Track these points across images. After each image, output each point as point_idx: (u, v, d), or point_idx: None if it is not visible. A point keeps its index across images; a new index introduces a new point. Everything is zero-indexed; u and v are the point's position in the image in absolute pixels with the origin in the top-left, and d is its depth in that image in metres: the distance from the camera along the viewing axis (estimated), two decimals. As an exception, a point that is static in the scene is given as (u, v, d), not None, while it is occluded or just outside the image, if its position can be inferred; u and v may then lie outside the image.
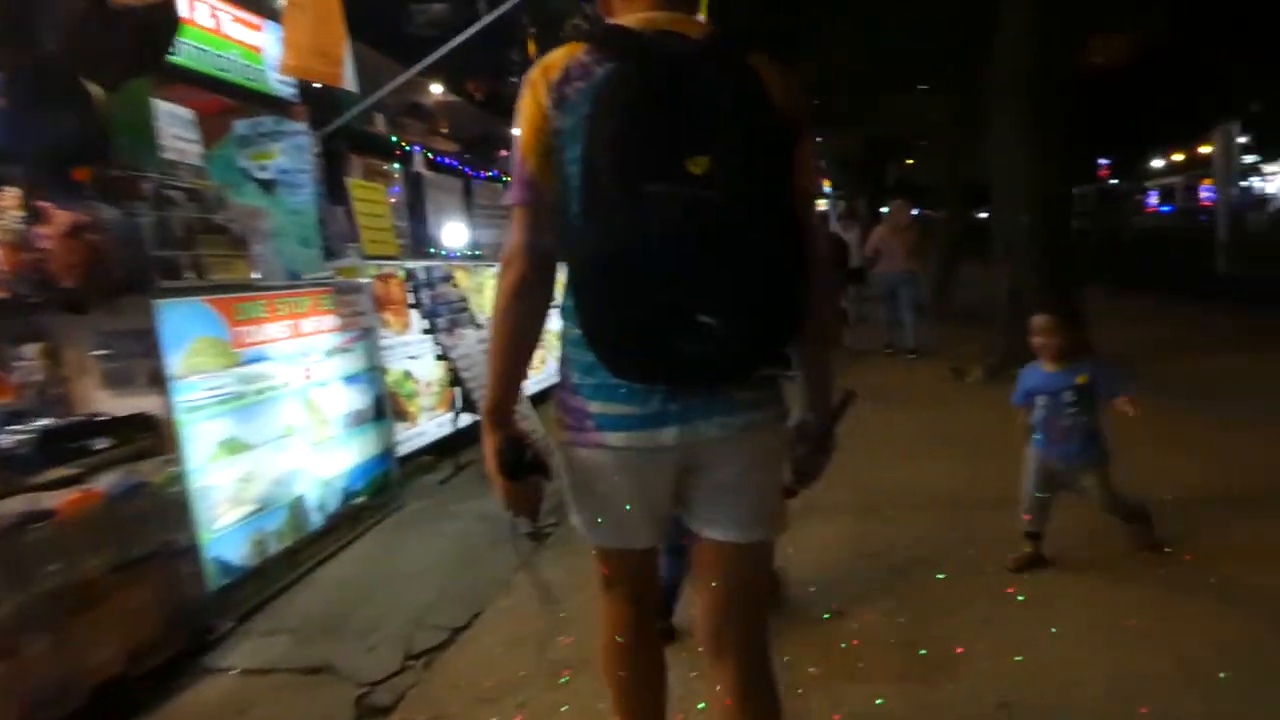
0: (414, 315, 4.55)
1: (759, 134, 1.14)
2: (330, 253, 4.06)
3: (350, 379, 3.69)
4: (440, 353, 4.41)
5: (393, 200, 5.33)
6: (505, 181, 7.55)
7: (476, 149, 8.62)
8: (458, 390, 4.47)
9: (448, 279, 4.83)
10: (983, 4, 7.47)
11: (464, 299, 4.88)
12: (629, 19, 1.26)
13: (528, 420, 3.92)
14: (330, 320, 3.55)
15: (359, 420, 3.73)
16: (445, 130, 8.74)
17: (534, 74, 1.23)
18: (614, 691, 1.52)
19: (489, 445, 1.29)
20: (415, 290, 4.42)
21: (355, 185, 4.27)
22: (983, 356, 6.35)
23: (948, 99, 13.33)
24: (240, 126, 3.87)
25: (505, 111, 8.62)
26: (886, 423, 4.98)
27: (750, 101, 1.15)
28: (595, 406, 1.26)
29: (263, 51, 3.72)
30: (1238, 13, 13.07)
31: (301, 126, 3.89)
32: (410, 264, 4.67)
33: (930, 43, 11.58)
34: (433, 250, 5.36)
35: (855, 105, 14.20)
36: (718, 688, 1.37)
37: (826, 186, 28.19)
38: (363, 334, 3.80)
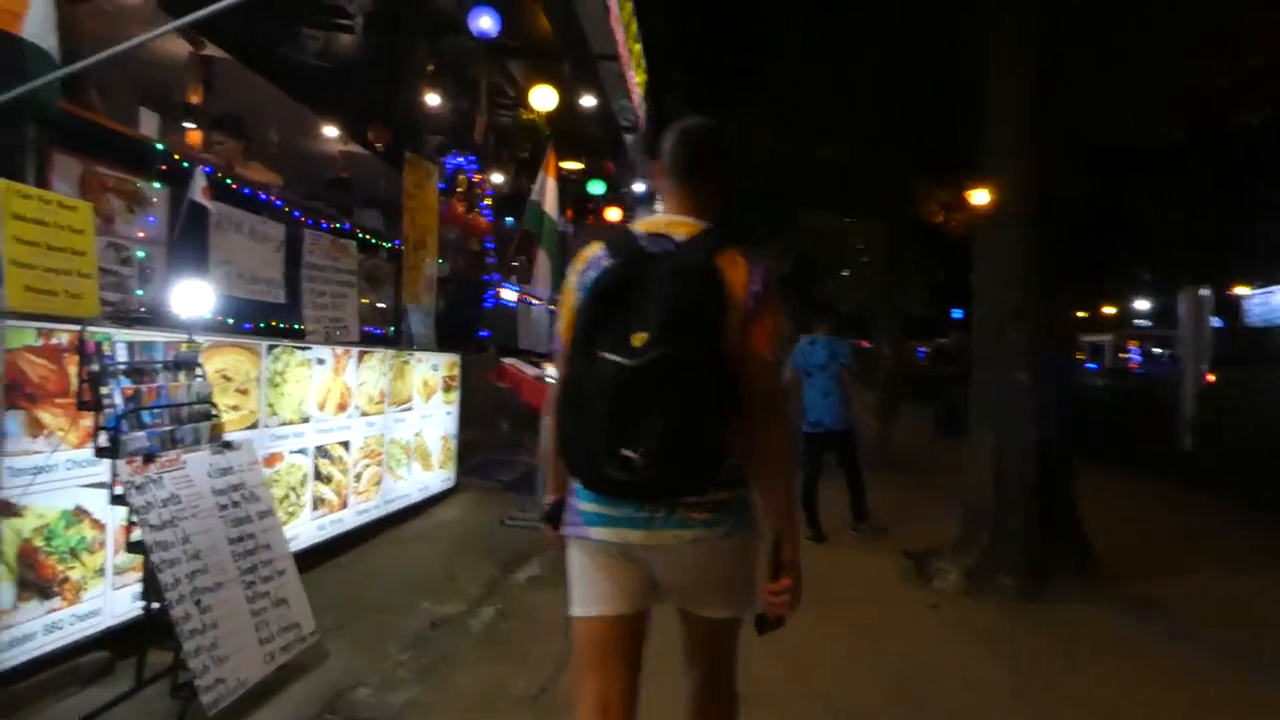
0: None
1: (691, 317, 1.54)
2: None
3: None
4: (119, 492, 2.58)
5: (139, 235, 3.55)
6: (366, 239, 5.92)
7: (335, 192, 6.98)
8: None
9: (187, 367, 3.03)
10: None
11: (207, 403, 3.07)
12: (646, 221, 1.80)
13: None
14: None
15: None
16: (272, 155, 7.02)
17: (574, 263, 1.80)
18: None
19: (545, 503, 1.91)
20: (96, 378, 2.61)
21: (8, 192, 2.51)
22: (954, 549, 4.83)
23: (876, 224, 12.55)
24: None
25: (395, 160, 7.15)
26: (818, 659, 3.35)
27: (692, 290, 1.57)
28: (585, 505, 1.70)
29: None
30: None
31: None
32: (111, 332, 2.88)
33: (858, 155, 10.82)
34: (192, 318, 3.57)
35: (776, 216, 13.33)
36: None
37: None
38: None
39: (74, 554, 2.84)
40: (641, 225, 1.77)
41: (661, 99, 11.23)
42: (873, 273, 12.98)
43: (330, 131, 8.44)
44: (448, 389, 6.47)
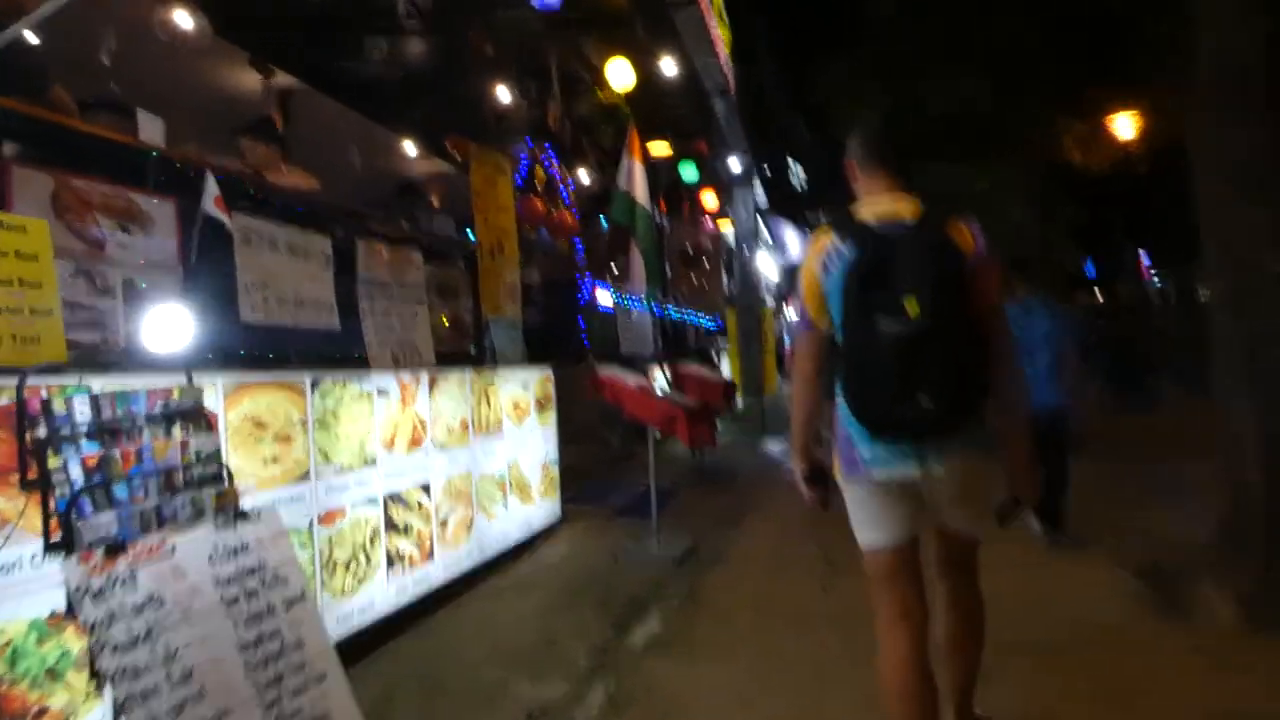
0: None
1: (948, 280, 1.94)
2: None
3: None
4: (68, 604, 1.89)
5: (139, 260, 2.92)
6: (435, 247, 5.24)
7: (406, 199, 6.37)
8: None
9: (185, 419, 2.34)
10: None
11: (213, 463, 2.37)
12: (865, 210, 2.16)
13: None
14: None
15: None
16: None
17: (809, 253, 2.18)
18: (887, 670, 2.14)
19: (798, 468, 2.32)
20: (43, 445, 1.94)
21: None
22: (1214, 566, 3.58)
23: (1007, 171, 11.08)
24: None
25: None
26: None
27: (942, 260, 1.97)
28: (865, 453, 2.11)
29: None
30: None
31: None
32: (80, 383, 2.22)
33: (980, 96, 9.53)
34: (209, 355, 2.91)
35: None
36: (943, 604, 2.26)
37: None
38: None
39: (53, 675, 2.19)
40: (864, 212, 2.15)
41: (750, 58, 10.21)
42: (1013, 226, 11.37)
43: (408, 148, 7.96)
44: (542, 408, 5.72)
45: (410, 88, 6.60)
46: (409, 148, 7.96)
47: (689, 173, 12.05)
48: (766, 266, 16.65)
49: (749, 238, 11.82)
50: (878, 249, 2.00)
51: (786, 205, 19.68)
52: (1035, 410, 4.56)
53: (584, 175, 9.51)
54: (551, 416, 5.87)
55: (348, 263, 4.04)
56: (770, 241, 17.62)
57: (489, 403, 4.87)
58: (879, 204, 2.16)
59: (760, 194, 15.28)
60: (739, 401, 11.67)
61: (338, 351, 3.91)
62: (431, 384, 4.21)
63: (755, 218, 12.01)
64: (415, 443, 4.01)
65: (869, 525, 2.19)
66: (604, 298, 8.47)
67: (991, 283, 2.09)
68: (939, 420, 1.95)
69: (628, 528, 5.77)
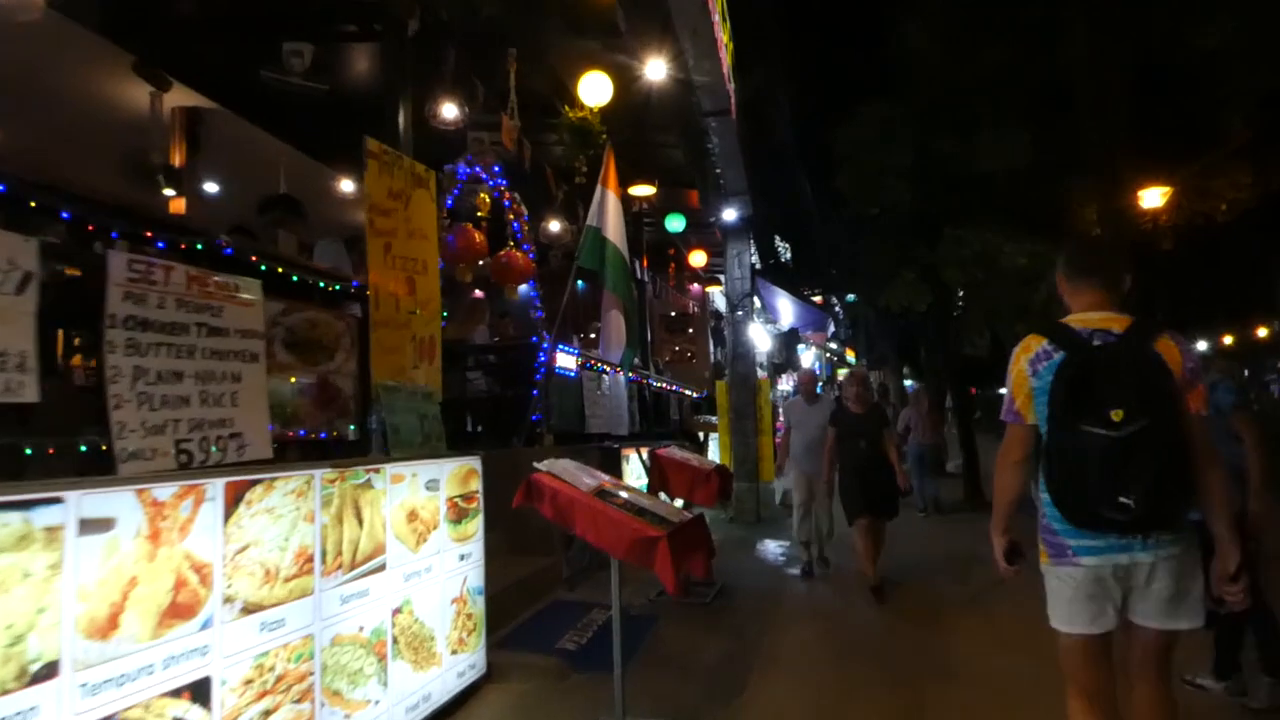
0: None
1: (1155, 394, 2.06)
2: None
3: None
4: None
5: None
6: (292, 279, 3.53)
7: (273, 215, 4.69)
8: None
9: None
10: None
11: None
12: (1074, 318, 2.30)
13: None
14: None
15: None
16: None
17: (1018, 353, 2.33)
18: None
19: (998, 544, 2.42)
20: None
21: None
22: None
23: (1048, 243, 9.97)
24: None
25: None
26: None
27: (1150, 374, 2.09)
28: (1073, 541, 2.22)
29: None
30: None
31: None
32: None
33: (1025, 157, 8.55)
34: None
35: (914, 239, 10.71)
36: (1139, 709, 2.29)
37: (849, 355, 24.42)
38: None
39: None
40: (1076, 321, 2.29)
41: (754, 82, 8.87)
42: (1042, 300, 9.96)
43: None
44: (461, 517, 3.93)
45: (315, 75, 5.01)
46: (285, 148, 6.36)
47: (676, 224, 10.55)
48: (758, 336, 15.12)
49: (743, 300, 10.25)
50: (1086, 358, 2.16)
51: (774, 274, 18.33)
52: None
53: (553, 225, 7.94)
54: (477, 527, 4.08)
55: (89, 291, 2.32)
56: (760, 306, 16.13)
57: (359, 518, 3.08)
58: (1089, 315, 2.30)
59: (754, 253, 13.85)
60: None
61: (36, 442, 2.15)
62: (233, 499, 2.43)
63: (750, 278, 10.47)
64: (179, 612, 2.21)
65: (1068, 611, 2.27)
66: (566, 363, 6.77)
67: (1197, 395, 2.17)
68: (1141, 520, 2.07)
69: (583, 691, 3.95)
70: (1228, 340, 35.43)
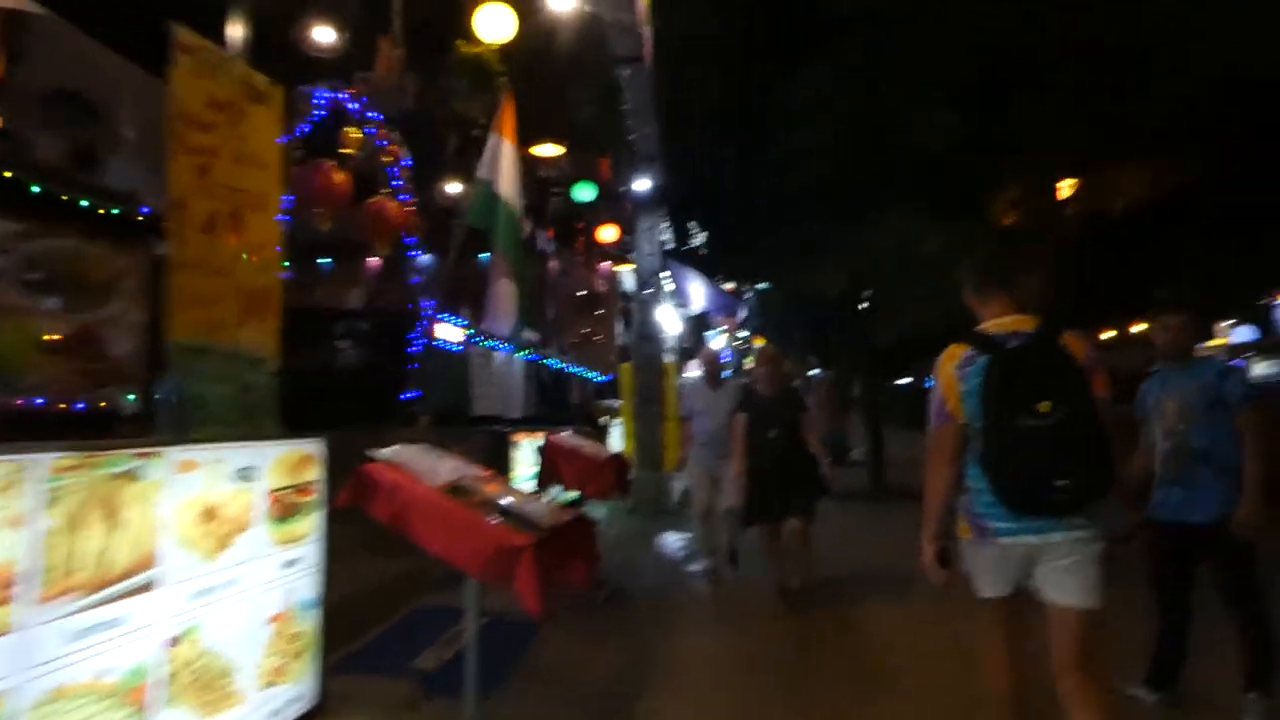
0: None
1: (1072, 385, 2.33)
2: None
3: None
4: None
5: None
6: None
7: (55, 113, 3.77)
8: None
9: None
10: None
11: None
12: (989, 325, 2.55)
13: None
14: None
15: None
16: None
17: (944, 361, 2.54)
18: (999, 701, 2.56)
19: (929, 549, 2.53)
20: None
21: None
22: None
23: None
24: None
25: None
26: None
27: (1064, 366, 2.36)
28: (995, 523, 2.43)
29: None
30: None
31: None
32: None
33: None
34: None
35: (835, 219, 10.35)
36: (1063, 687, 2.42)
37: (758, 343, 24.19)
38: None
39: None
40: (991, 327, 2.54)
41: (674, 29, 8.24)
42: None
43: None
44: (287, 514, 3.12)
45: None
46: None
47: (586, 193, 9.83)
48: (669, 318, 14.58)
49: (653, 278, 9.65)
50: (1007, 358, 2.40)
51: (688, 260, 17.83)
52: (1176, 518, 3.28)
53: (445, 173, 7.07)
54: (312, 525, 3.27)
55: None
56: (673, 289, 15.61)
57: (115, 521, 2.27)
58: (1001, 321, 2.54)
59: (668, 227, 13.27)
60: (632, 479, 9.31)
61: None
62: None
63: (661, 255, 9.88)
64: None
65: (989, 579, 2.52)
66: (451, 335, 5.98)
67: (1100, 380, 2.40)
68: (1071, 500, 2.29)
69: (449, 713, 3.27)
70: (1104, 336, 37.59)
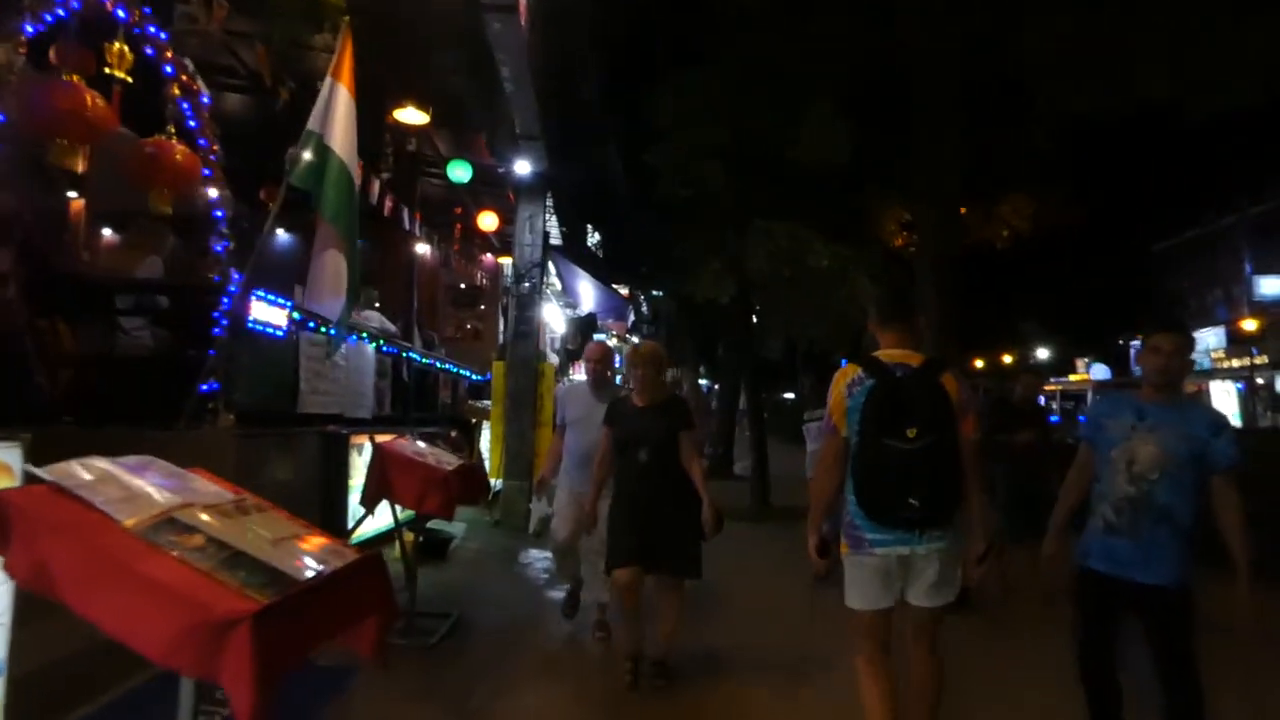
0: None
1: (940, 416, 2.63)
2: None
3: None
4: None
5: None
6: None
7: None
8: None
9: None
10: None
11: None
12: (882, 353, 2.81)
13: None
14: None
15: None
16: None
17: (838, 378, 2.81)
18: (868, 701, 2.77)
19: (812, 540, 2.84)
20: None
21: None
22: None
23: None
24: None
25: None
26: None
27: (937, 400, 2.65)
28: (870, 535, 2.70)
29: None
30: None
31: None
32: None
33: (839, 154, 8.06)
34: None
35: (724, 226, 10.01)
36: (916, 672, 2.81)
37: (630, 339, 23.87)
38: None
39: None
40: (884, 356, 2.79)
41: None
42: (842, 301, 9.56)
43: None
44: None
45: None
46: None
47: (460, 173, 8.93)
48: (552, 315, 13.79)
49: (533, 270, 8.86)
50: (890, 385, 2.67)
51: (581, 262, 17.14)
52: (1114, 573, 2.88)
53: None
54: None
55: None
56: (559, 287, 14.84)
57: None
58: (893, 352, 2.81)
59: (553, 223, 12.50)
60: (494, 491, 8.47)
61: None
62: None
63: (544, 246, 9.10)
64: None
65: (861, 591, 2.77)
66: (272, 317, 5.00)
67: (968, 421, 2.73)
68: (924, 518, 2.61)
69: None
70: (978, 364, 39.70)
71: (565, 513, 4.74)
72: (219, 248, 4.34)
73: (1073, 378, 32.68)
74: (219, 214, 4.25)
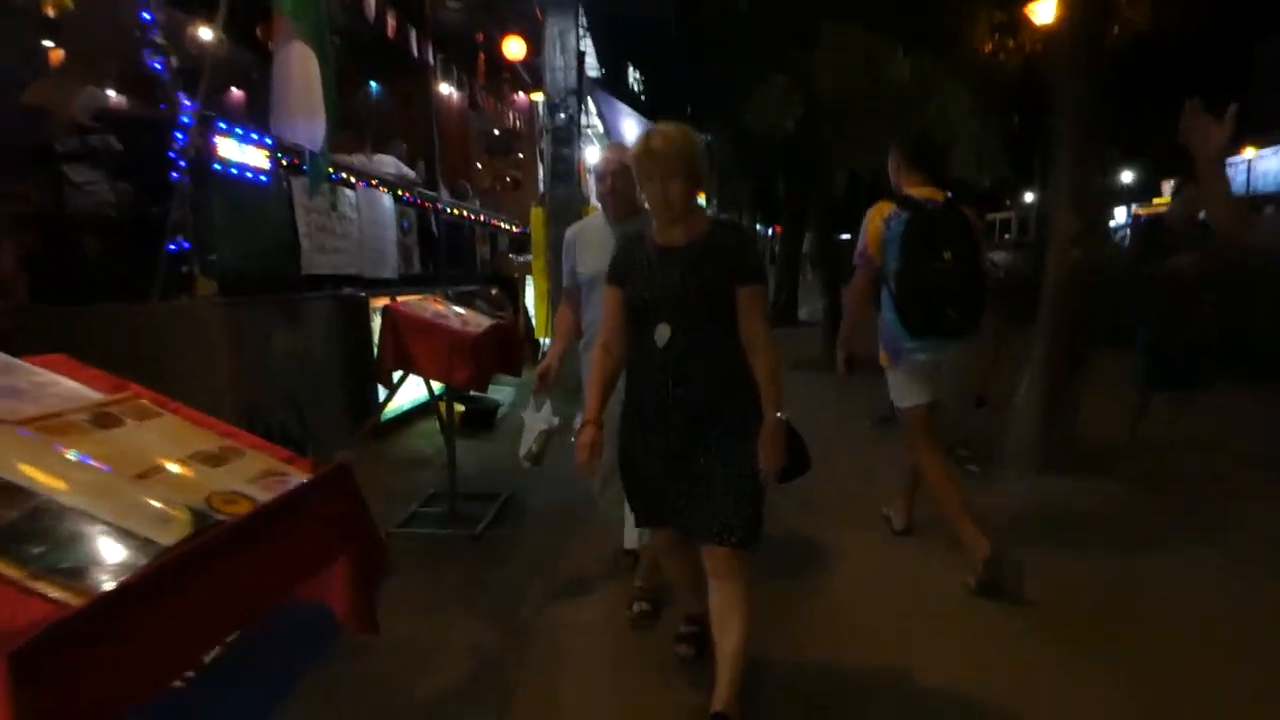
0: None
1: (967, 243, 3.18)
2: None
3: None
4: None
5: None
6: None
7: None
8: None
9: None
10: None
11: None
12: (911, 191, 3.30)
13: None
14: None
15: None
16: None
17: (874, 214, 3.30)
18: (934, 479, 3.38)
19: (842, 354, 3.56)
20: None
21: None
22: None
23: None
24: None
25: None
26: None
27: (963, 229, 3.20)
28: (908, 344, 3.27)
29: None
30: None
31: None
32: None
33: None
34: None
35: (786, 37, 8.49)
36: None
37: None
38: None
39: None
40: (913, 192, 3.29)
41: None
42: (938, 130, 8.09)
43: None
44: None
45: None
46: None
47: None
48: (590, 151, 12.52)
49: (567, 99, 7.63)
50: (925, 217, 3.17)
51: (621, 95, 15.48)
52: None
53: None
54: None
55: None
56: (601, 129, 13.46)
57: None
58: (921, 190, 3.30)
59: (590, 50, 11.00)
60: (542, 351, 7.70)
61: None
62: None
63: (580, 69, 7.80)
64: None
65: (908, 390, 3.37)
66: (252, 159, 4.07)
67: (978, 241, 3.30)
68: (959, 326, 3.19)
69: None
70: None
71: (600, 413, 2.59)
72: (157, 64, 3.36)
73: (1157, 201, 29.95)
74: (147, 15, 3.23)
